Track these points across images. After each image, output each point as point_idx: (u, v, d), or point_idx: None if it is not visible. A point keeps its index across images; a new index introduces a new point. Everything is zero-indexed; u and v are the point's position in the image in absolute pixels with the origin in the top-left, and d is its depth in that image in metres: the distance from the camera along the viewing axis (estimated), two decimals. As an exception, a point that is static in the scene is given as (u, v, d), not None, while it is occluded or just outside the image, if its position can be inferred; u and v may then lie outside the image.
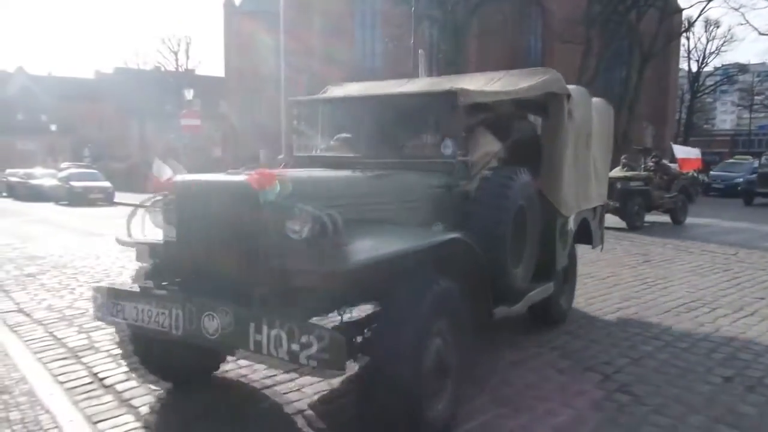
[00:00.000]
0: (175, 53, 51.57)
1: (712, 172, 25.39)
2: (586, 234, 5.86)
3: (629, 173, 13.85)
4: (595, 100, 5.85)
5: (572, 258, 5.66)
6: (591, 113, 5.52)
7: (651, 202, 13.55)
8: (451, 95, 4.00)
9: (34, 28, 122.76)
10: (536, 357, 4.63)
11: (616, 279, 7.67)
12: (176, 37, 66.34)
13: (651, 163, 14.68)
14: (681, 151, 15.72)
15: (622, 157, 14.85)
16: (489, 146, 4.54)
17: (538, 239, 4.44)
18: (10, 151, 49.02)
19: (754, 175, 20.95)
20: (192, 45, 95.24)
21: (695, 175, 15.90)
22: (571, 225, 5.23)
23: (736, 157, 30.19)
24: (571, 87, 5.02)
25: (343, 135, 4.71)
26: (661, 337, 5.18)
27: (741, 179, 23.62)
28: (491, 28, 32.28)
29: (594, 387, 4.03)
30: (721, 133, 67.93)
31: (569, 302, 5.76)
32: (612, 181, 12.24)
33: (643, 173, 13.96)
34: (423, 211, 3.78)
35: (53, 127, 51.59)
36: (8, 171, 29.82)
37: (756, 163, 24.46)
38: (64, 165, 32.57)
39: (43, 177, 25.83)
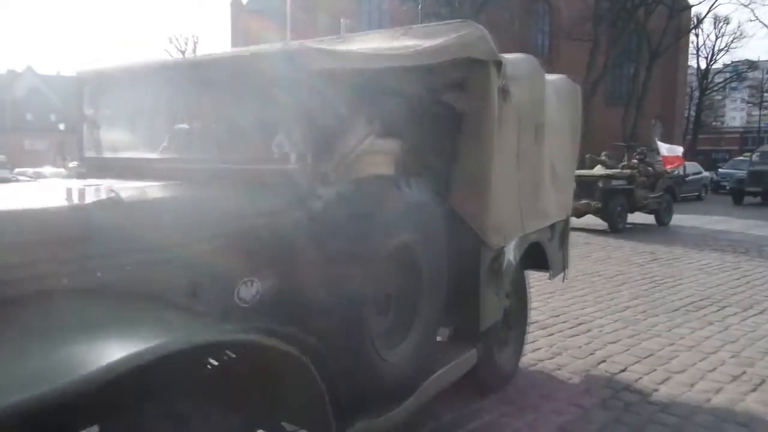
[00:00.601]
0: (183, 52, 51.81)
1: (721, 170, 25.22)
2: (539, 259, 4.19)
3: (612, 171, 13.05)
4: (552, 77, 4.28)
5: (521, 298, 4.14)
6: (542, 93, 3.85)
7: (634, 202, 12.72)
8: (287, 58, 2.36)
9: (42, 28, 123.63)
10: (544, 356, 4.62)
11: (624, 277, 7.63)
12: (183, 36, 66.72)
13: (635, 161, 13.77)
14: (665, 148, 14.70)
15: (602, 153, 14.14)
16: (360, 143, 2.66)
17: (446, 288, 2.81)
18: (19, 151, 49.41)
19: (744, 173, 19.95)
20: (199, 44, 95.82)
21: (680, 173, 15.13)
22: (511, 257, 3.58)
23: (746, 154, 29.96)
24: (511, 56, 3.52)
25: (181, 126, 2.94)
26: (668, 335, 5.15)
27: None
28: (498, 26, 32.00)
29: (600, 386, 4.02)
30: (730, 130, 67.47)
31: (514, 360, 4.09)
32: (593, 180, 12.10)
33: (626, 171, 13.04)
34: (213, 265, 2.06)
35: (62, 127, 51.92)
36: (17, 170, 30.06)
37: None
38: (72, 164, 32.79)
39: (53, 176, 25.99)
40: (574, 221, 12.35)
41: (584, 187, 11.56)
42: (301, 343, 1.83)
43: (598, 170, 13.12)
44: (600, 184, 12.14)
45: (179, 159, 2.79)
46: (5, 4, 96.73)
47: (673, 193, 14.24)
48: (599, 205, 11.99)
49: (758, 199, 19.33)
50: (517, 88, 3.41)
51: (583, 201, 11.68)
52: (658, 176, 13.59)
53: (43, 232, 1.73)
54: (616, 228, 12.15)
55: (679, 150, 14.83)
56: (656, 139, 15.87)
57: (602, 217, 12.34)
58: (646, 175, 13.20)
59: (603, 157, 13.95)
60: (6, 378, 1.28)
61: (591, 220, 12.57)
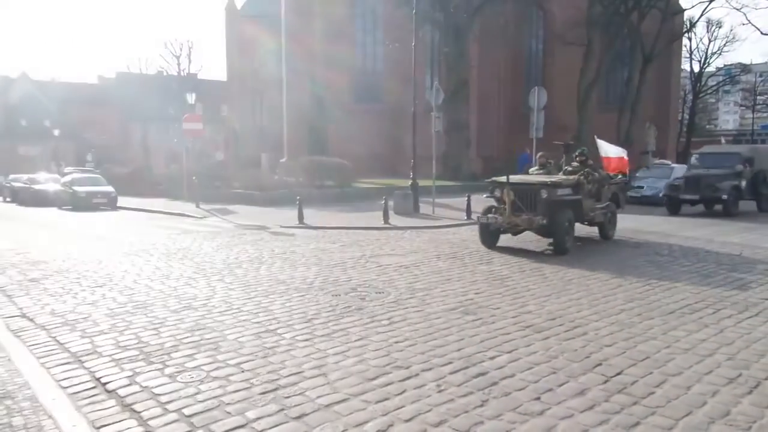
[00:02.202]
0: (178, 57, 51.81)
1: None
2: None
3: (558, 178, 10.58)
4: None
5: None
6: None
7: (581, 215, 10.55)
8: None
9: (37, 34, 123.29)
10: (540, 359, 4.62)
11: (620, 280, 7.64)
12: (179, 41, 66.76)
13: (576, 163, 11.31)
14: (605, 148, 12.12)
15: (539, 155, 11.89)
16: None
17: None
18: (13, 157, 49.24)
19: (680, 180, 17.01)
20: (194, 49, 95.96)
21: (625, 178, 12.48)
22: None
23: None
24: None
25: None
26: (664, 338, 5.16)
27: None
28: (492, 31, 32.34)
29: (595, 389, 4.02)
30: (723, 133, 67.88)
31: None
32: (535, 189, 9.89)
33: (572, 178, 10.56)
34: None
35: (56, 132, 51.75)
36: (12, 176, 29.92)
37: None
38: (67, 170, 32.65)
39: (47, 182, 25.88)
40: (505, 240, 10.70)
41: (524, 197, 10.01)
42: None
43: (537, 176, 10.97)
44: (544, 195, 9.86)
45: None
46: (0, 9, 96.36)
47: (617, 201, 12.09)
48: (544, 222, 9.73)
49: (699, 207, 16.77)
50: None
51: (524, 216, 9.84)
52: (603, 182, 11.32)
53: None
54: (564, 248, 9.72)
55: (620, 152, 12.36)
56: (595, 136, 12.98)
57: (544, 234, 10.28)
58: (591, 181, 10.89)
59: (541, 159, 11.61)
60: None
61: (524, 240, 10.90)
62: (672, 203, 16.77)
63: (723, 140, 19.78)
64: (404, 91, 25.99)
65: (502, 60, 36.29)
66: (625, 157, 12.13)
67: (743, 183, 16.39)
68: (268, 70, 35.15)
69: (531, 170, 11.47)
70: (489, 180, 10.84)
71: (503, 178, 10.20)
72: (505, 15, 33.15)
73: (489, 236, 10.53)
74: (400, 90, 29.74)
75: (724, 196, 15.77)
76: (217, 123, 49.64)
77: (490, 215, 10.25)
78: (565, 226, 9.83)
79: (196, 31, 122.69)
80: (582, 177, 10.62)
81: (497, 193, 10.40)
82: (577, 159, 11.34)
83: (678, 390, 4.01)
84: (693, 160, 18.14)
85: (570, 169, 11.26)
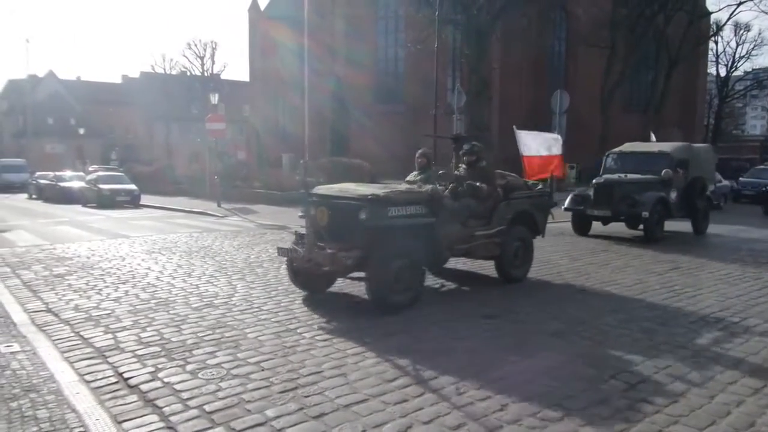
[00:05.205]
0: (201, 58, 52.51)
1: (741, 179, 24.76)
2: None
3: (388, 189, 6.56)
4: None
5: None
6: None
7: (441, 247, 6.68)
8: None
9: (63, 33, 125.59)
10: (562, 365, 4.58)
11: (643, 287, 7.54)
12: (202, 41, 67.62)
13: (462, 166, 7.87)
14: (528, 142, 8.41)
15: (418, 153, 7.89)
16: None
17: None
18: (40, 154, 50.30)
19: (590, 191, 12.14)
20: (217, 50, 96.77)
21: (546, 190, 8.45)
22: None
23: (767, 163, 29.55)
24: None
25: None
26: (687, 346, 5.08)
27: None
28: (515, 32, 32.12)
29: (617, 396, 3.97)
30: (751, 138, 66.62)
31: None
32: (352, 208, 6.12)
33: (424, 188, 6.79)
34: None
35: (81, 131, 52.75)
36: (38, 173, 30.52)
37: None
38: (92, 168, 33.20)
39: (72, 180, 26.33)
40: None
41: (341, 220, 6.24)
42: None
43: (365, 187, 6.95)
44: (363, 216, 6.03)
45: None
46: (28, 9, 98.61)
47: (533, 223, 8.05)
48: (349, 261, 5.96)
49: (616, 226, 12.60)
50: None
51: (328, 250, 6.05)
52: (507, 192, 7.73)
53: None
54: (387, 302, 6.02)
55: (554, 143, 8.69)
56: (514, 126, 8.88)
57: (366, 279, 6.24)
58: (474, 192, 7.35)
59: (421, 160, 7.84)
60: None
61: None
62: (578, 221, 12.36)
63: (653, 136, 14.87)
64: (425, 93, 25.96)
65: (525, 62, 36.02)
66: (557, 154, 8.55)
67: (673, 195, 12.12)
68: (290, 71, 35.37)
69: (409, 177, 7.84)
70: (303, 191, 6.84)
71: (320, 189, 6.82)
72: (528, 16, 32.89)
73: (302, 275, 6.70)
74: (422, 92, 29.71)
75: (645, 214, 11.37)
76: (239, 123, 50.17)
77: (292, 246, 6.69)
78: (393, 268, 5.98)
79: (219, 31, 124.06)
80: (443, 186, 7.24)
81: (312, 211, 6.52)
82: (465, 159, 7.82)
83: (701, 399, 3.94)
84: (609, 161, 13.06)
85: (444, 172, 7.99)
